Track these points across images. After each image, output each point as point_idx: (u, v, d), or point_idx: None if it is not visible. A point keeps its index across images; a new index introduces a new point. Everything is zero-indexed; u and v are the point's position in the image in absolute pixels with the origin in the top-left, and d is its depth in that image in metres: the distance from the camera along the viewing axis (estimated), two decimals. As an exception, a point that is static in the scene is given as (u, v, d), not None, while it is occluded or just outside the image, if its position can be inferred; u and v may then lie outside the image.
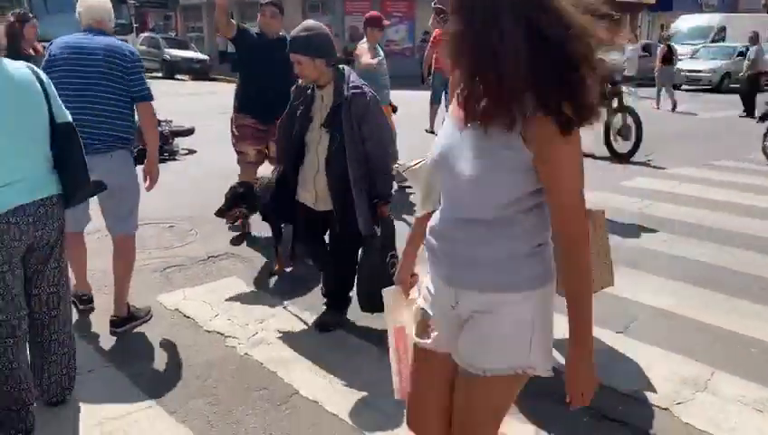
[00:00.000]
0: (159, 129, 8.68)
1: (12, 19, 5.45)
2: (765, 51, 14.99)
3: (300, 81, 3.43)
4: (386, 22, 6.89)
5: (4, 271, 2.49)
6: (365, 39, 6.65)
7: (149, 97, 3.57)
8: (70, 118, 2.71)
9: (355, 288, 3.57)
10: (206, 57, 24.88)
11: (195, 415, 2.85)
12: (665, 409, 2.95)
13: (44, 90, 2.60)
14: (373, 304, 3.28)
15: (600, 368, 3.16)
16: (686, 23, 27.11)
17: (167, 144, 8.60)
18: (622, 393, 3.05)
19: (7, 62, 2.52)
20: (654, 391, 3.08)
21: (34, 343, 2.77)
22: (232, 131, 5.07)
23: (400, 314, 2.00)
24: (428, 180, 1.96)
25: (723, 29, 25.78)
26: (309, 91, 3.37)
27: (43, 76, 2.65)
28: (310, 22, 3.30)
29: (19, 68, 2.56)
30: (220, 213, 4.19)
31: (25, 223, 2.50)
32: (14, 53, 5.12)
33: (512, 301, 1.59)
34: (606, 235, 3.54)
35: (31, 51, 5.78)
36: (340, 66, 3.30)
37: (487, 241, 1.57)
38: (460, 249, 1.61)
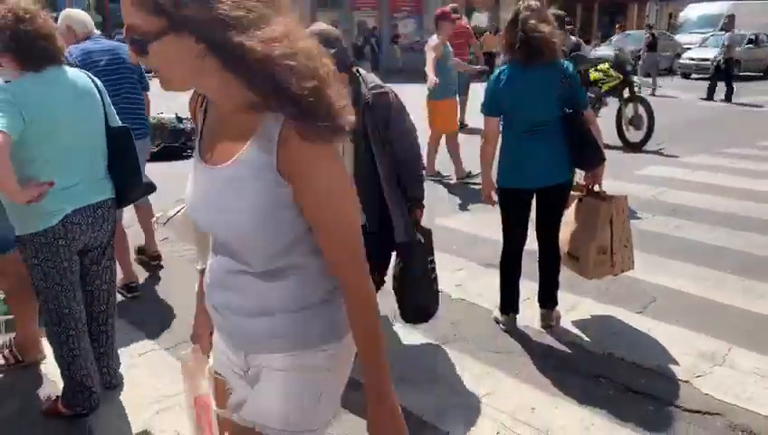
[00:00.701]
0: (182, 126, 8.96)
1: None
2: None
3: None
4: (455, 15, 7.36)
5: (66, 268, 2.67)
6: (435, 35, 6.95)
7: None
8: (120, 123, 2.90)
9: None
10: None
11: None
12: (686, 381, 3.12)
13: (101, 96, 2.79)
14: (420, 314, 3.25)
15: (623, 345, 3.40)
16: (694, 11, 27.06)
17: (189, 140, 8.83)
18: (644, 368, 3.24)
19: (68, 69, 2.70)
20: (674, 365, 3.26)
21: (90, 336, 2.97)
22: None
23: (199, 382, 1.63)
24: (197, 229, 1.63)
25: (732, 17, 25.69)
26: None
27: (99, 83, 2.84)
28: (320, 24, 2.97)
29: (79, 75, 2.74)
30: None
31: (86, 223, 2.69)
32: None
33: (303, 359, 1.37)
34: (628, 220, 3.73)
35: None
36: (355, 69, 2.96)
37: (265, 295, 1.34)
38: (238, 306, 1.37)
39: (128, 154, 2.86)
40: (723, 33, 23.00)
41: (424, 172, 3.14)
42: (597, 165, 3.52)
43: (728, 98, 14.93)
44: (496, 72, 3.45)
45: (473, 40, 10.52)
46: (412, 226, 3.09)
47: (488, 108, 3.46)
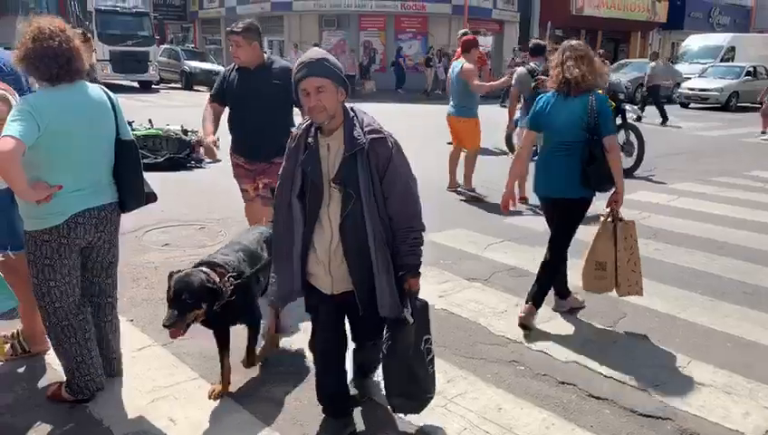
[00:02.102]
0: (187, 138, 9.25)
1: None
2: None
3: (305, 118, 2.65)
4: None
5: (64, 265, 2.93)
6: (462, 59, 7.71)
7: None
8: (131, 136, 3.17)
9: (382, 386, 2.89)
10: (224, 69, 25.53)
11: (234, 386, 3.29)
12: (644, 390, 3.36)
13: (114, 109, 3.07)
14: (408, 404, 2.86)
15: (590, 355, 3.63)
16: (695, 42, 27.50)
17: (193, 152, 9.12)
18: (607, 376, 3.48)
19: (86, 84, 2.98)
20: (636, 374, 3.50)
21: (94, 325, 3.23)
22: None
23: None
24: None
25: (732, 49, 26.14)
26: (309, 138, 2.59)
27: (114, 98, 3.12)
28: (319, 48, 2.77)
29: (95, 88, 3.02)
30: (173, 323, 2.82)
31: (90, 223, 2.95)
32: None
33: None
34: (637, 246, 4.04)
35: (87, 66, 6.31)
36: (348, 106, 2.58)
37: None
38: None
39: (133, 165, 3.12)
40: (722, 64, 23.46)
41: (422, 234, 2.67)
42: (601, 187, 3.94)
43: (663, 123, 15.91)
44: (543, 97, 4.12)
45: (486, 65, 10.93)
46: (405, 298, 2.65)
47: (529, 123, 4.20)
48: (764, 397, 3.29)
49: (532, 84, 7.22)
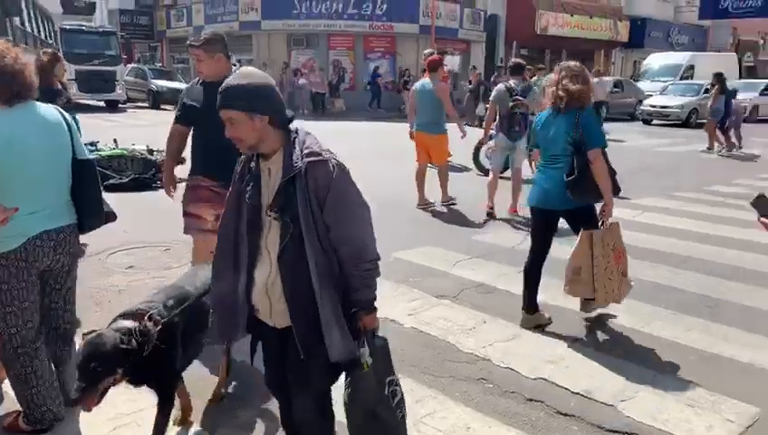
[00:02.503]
0: (153, 158, 9.16)
1: (45, 59, 5.89)
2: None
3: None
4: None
5: (22, 288, 2.85)
6: (428, 78, 7.96)
7: None
8: (89, 155, 3.12)
9: None
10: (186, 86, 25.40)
11: (197, 411, 3.23)
12: (611, 405, 3.39)
13: (69, 129, 3.02)
14: None
15: (556, 371, 3.65)
16: (656, 60, 28.29)
17: (159, 172, 9.01)
18: (574, 392, 3.50)
19: (40, 105, 2.92)
20: (602, 389, 3.53)
21: (53, 352, 3.14)
22: (184, 194, 4.20)
23: None
24: None
25: (691, 67, 26.93)
26: (252, 164, 2.40)
27: (68, 117, 3.06)
28: (248, 68, 2.43)
29: (49, 108, 2.96)
30: (82, 395, 2.38)
31: (48, 246, 2.88)
32: (46, 86, 5.69)
33: None
34: (611, 255, 4.25)
35: (59, 84, 6.24)
36: (292, 127, 2.34)
37: None
38: None
39: (90, 184, 3.06)
40: (682, 81, 24.14)
41: (377, 265, 2.38)
42: (584, 199, 4.15)
43: None
44: (539, 115, 4.39)
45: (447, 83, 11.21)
46: (361, 337, 2.35)
47: (532, 142, 4.57)
48: (727, 409, 3.34)
49: (510, 103, 7.34)
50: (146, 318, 2.55)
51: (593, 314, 4.51)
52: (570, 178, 4.02)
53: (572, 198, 4.07)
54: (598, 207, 4.28)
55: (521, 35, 29.84)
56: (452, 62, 26.45)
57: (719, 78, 14.49)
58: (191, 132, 4.13)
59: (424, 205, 8.10)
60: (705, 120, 20.60)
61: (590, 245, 4.16)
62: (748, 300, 4.98)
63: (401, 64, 26.18)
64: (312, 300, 2.28)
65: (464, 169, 10.82)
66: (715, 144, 14.86)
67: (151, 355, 2.51)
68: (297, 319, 2.32)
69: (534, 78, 15.61)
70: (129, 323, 2.52)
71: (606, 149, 4.15)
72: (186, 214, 4.15)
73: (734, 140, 14.93)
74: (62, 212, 2.97)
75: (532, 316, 4.36)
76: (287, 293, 2.33)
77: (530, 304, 4.36)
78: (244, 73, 2.29)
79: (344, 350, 2.29)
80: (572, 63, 4.29)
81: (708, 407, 3.37)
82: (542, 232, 4.38)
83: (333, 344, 2.28)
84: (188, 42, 4.09)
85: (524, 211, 7.66)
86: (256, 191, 2.35)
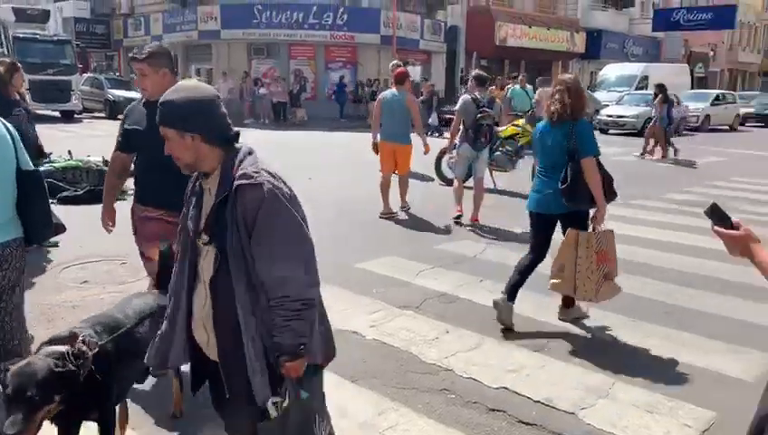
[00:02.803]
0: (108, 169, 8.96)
1: (2, 69, 5.71)
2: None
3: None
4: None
5: None
6: (395, 89, 8.17)
7: None
8: (32, 166, 3.02)
9: None
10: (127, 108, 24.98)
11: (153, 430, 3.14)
12: (571, 413, 3.41)
13: (13, 141, 2.92)
14: None
15: (518, 380, 3.66)
16: (612, 71, 28.98)
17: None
18: (535, 401, 3.52)
19: None
20: (563, 398, 3.55)
21: None
22: (133, 224, 3.82)
23: None
24: None
25: (645, 77, 27.66)
26: (198, 182, 2.26)
27: (11, 128, 2.96)
28: (185, 82, 2.30)
29: None
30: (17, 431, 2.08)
31: None
32: (3, 97, 5.59)
33: None
34: (593, 256, 4.41)
35: (16, 95, 6.07)
36: (238, 145, 2.16)
37: None
38: None
39: (37, 196, 2.96)
40: (637, 92, 24.79)
41: (308, 307, 2.08)
42: (576, 204, 4.37)
43: None
44: (539, 124, 4.65)
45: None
46: (283, 385, 2.10)
47: (533, 151, 4.86)
48: (684, 415, 3.40)
49: (477, 115, 7.44)
50: (79, 340, 2.34)
51: (569, 318, 4.70)
52: (563, 186, 4.26)
53: (567, 204, 4.31)
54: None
55: (481, 46, 30.23)
56: (413, 72, 26.61)
57: (661, 88, 15.49)
58: (136, 159, 3.69)
59: (388, 214, 8.12)
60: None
61: (576, 245, 4.37)
62: (704, 306, 5.10)
63: (360, 76, 26.27)
64: (238, 336, 2.09)
65: (427, 178, 10.88)
66: (657, 150, 15.72)
67: (87, 384, 2.29)
68: (223, 357, 2.16)
69: (509, 86, 16.04)
70: (60, 348, 2.31)
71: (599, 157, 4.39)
72: (141, 255, 3.78)
73: (677, 146, 15.80)
74: (8, 226, 2.86)
75: (506, 304, 4.52)
76: (215, 327, 2.17)
77: (510, 296, 4.52)
78: (179, 87, 2.17)
79: (259, 394, 2.09)
80: (567, 77, 4.53)
81: (666, 412, 3.42)
82: (541, 235, 4.61)
83: (257, 388, 2.09)
84: (130, 55, 3.76)
85: (486, 220, 7.77)
86: (197, 212, 2.21)
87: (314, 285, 2.12)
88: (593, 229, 4.47)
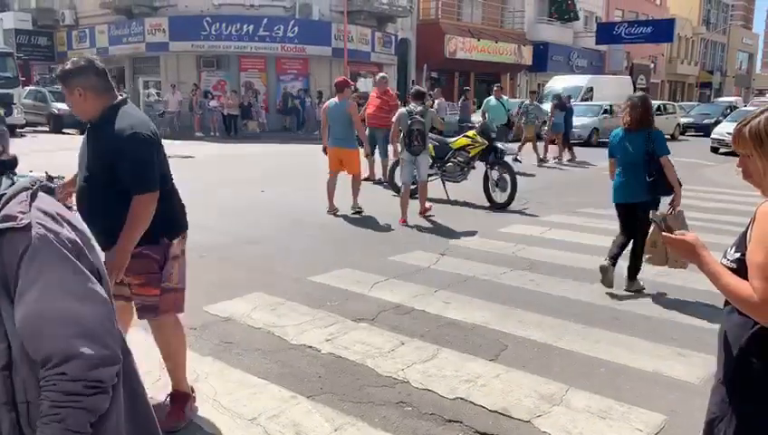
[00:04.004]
0: (52, 185, 8.69)
1: None
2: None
3: None
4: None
5: None
6: (337, 98, 8.98)
7: None
8: None
9: None
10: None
11: None
12: (527, 421, 3.44)
13: None
14: None
15: (473, 390, 3.68)
16: (558, 83, 29.64)
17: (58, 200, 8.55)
18: (491, 410, 3.54)
19: None
20: (518, 406, 3.59)
21: None
22: None
23: None
24: None
25: (590, 89, 28.44)
26: None
27: None
28: None
29: None
30: None
31: None
32: None
33: None
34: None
35: None
36: (12, 174, 1.66)
37: None
38: None
39: None
40: (582, 103, 25.43)
41: (90, 390, 1.45)
42: (663, 193, 5.52)
43: None
44: (613, 132, 5.79)
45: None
46: None
47: (609, 153, 5.89)
48: (636, 419, 3.47)
49: (409, 122, 8.30)
50: None
51: (633, 289, 5.69)
52: (651, 179, 5.43)
53: (652, 193, 5.44)
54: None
55: (431, 59, 30.60)
56: (365, 84, 26.73)
57: (559, 97, 17.63)
58: None
59: (333, 211, 8.92)
60: (605, 140, 21.88)
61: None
62: (649, 310, 5.24)
63: (311, 86, 26.25)
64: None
65: (377, 183, 11.03)
66: (548, 155, 17.10)
67: None
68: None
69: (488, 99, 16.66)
70: None
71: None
72: None
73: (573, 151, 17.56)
74: None
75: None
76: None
77: (613, 263, 5.71)
78: None
79: None
80: (635, 96, 5.73)
81: (618, 417, 3.49)
82: (630, 221, 5.65)
83: None
84: (55, 74, 3.24)
85: (438, 232, 7.86)
86: None
87: (106, 361, 1.49)
88: (671, 212, 5.11)
